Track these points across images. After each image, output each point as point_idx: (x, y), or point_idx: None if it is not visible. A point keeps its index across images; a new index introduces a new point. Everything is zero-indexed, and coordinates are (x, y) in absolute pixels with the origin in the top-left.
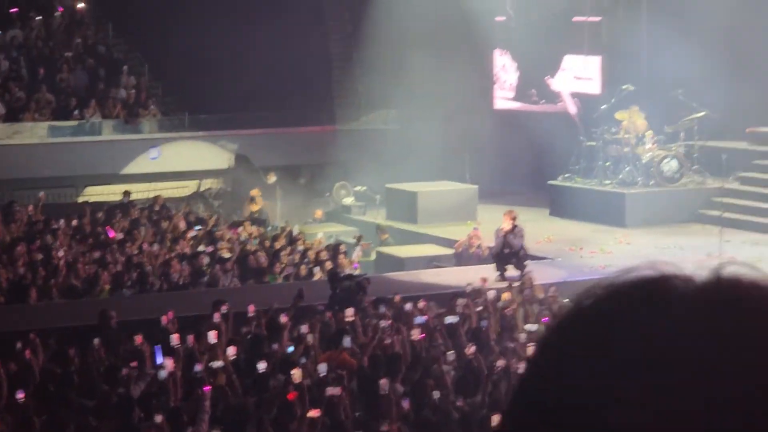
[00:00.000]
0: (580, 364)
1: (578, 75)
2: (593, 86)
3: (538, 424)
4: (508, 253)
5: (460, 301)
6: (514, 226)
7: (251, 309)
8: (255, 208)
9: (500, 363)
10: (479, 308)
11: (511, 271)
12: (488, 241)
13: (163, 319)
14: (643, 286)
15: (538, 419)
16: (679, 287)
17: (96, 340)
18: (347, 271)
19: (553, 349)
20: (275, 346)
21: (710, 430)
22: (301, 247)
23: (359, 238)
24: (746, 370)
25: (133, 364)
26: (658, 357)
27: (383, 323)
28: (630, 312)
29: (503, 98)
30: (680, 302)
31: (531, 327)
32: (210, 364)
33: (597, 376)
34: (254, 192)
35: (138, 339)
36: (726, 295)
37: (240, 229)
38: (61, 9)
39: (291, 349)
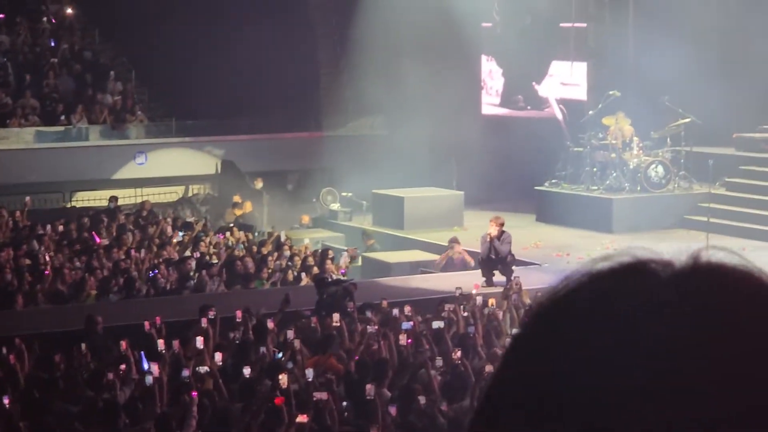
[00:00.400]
0: (557, 357)
1: (565, 81)
2: (580, 92)
3: (520, 423)
4: (495, 259)
5: (447, 306)
6: (502, 232)
7: (238, 314)
8: (239, 212)
9: (488, 368)
10: (466, 314)
11: (498, 277)
12: (471, 246)
13: (146, 325)
14: (621, 273)
15: (517, 417)
16: (658, 272)
17: (83, 346)
18: (334, 276)
19: (531, 341)
20: (263, 350)
21: (692, 419)
22: (288, 253)
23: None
24: (725, 357)
25: (122, 367)
26: (638, 345)
27: (370, 329)
28: (608, 299)
29: (490, 104)
30: (658, 287)
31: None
32: (196, 369)
33: (576, 369)
34: (236, 198)
35: (123, 344)
36: (704, 280)
37: (227, 234)
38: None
39: (280, 355)
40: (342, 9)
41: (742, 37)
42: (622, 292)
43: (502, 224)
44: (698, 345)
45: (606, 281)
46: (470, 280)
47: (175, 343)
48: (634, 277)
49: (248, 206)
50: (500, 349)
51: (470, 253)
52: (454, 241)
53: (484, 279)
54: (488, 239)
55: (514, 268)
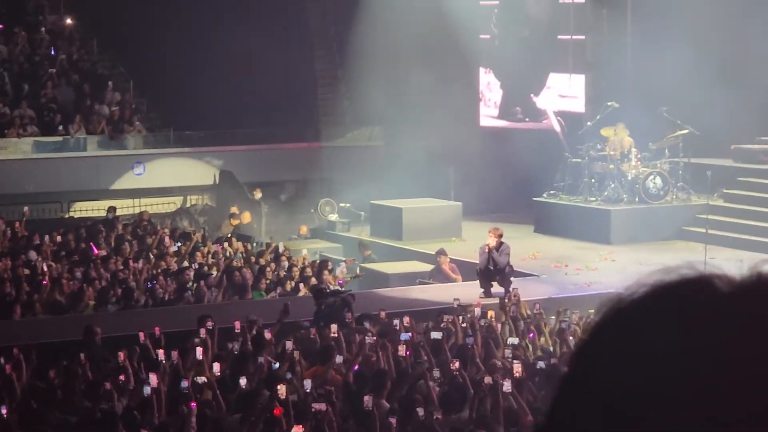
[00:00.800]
0: (625, 367)
1: (563, 93)
2: (578, 104)
3: (596, 424)
4: (493, 270)
5: (446, 317)
6: (500, 243)
7: (237, 325)
8: (235, 223)
9: (487, 380)
10: (464, 324)
11: (497, 288)
12: (470, 257)
13: (141, 336)
14: (687, 286)
15: (591, 418)
16: (722, 286)
17: (81, 356)
18: (332, 287)
19: (598, 347)
20: (261, 360)
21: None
22: (286, 263)
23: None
24: None
25: (122, 377)
26: (704, 357)
27: (368, 339)
28: (674, 311)
29: (488, 116)
30: (723, 301)
31: (513, 341)
32: (195, 380)
33: (643, 377)
34: (234, 209)
35: (121, 355)
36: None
37: (225, 244)
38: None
39: (277, 365)
40: (340, 20)
41: (741, 48)
42: (687, 304)
43: (501, 235)
44: (761, 356)
45: (672, 294)
46: (469, 292)
47: (174, 354)
48: (699, 291)
49: (246, 217)
50: (499, 361)
51: (469, 264)
52: (441, 252)
53: (482, 290)
54: (487, 250)
55: (512, 279)
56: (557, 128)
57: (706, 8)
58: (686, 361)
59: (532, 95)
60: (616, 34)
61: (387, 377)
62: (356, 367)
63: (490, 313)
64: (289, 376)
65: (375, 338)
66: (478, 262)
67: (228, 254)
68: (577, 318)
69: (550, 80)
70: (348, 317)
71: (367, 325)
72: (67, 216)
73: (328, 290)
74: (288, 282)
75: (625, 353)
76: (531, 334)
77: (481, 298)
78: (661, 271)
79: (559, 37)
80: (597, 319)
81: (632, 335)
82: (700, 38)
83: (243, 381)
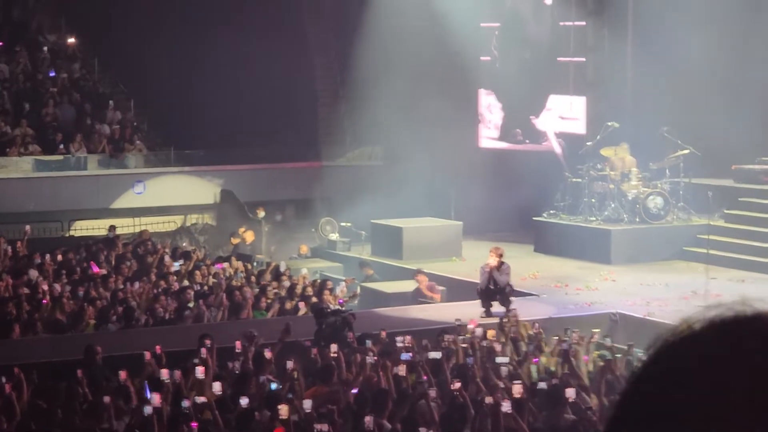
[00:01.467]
0: (687, 400)
1: (563, 115)
2: (578, 126)
3: None
4: (494, 289)
5: (447, 337)
6: (501, 263)
7: (238, 345)
8: (235, 241)
9: (488, 400)
10: (464, 345)
11: (497, 308)
12: (470, 277)
13: (147, 355)
14: (741, 323)
15: None
16: None
17: (79, 373)
18: (333, 307)
19: (656, 376)
20: (262, 379)
21: None
22: (287, 283)
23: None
24: None
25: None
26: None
27: (369, 359)
28: (731, 346)
29: (488, 137)
30: None
31: (502, 359)
32: (195, 399)
33: (705, 410)
34: (241, 230)
35: (122, 374)
36: None
37: (225, 264)
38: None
39: (275, 386)
40: (341, 40)
41: (741, 68)
42: (744, 340)
43: (501, 255)
44: None
45: (728, 330)
46: (470, 312)
47: (177, 374)
48: (754, 327)
49: (250, 236)
50: (500, 381)
51: (469, 283)
52: (418, 272)
53: (483, 309)
54: (487, 270)
55: (512, 299)
56: (557, 150)
57: (706, 29)
58: (757, 405)
59: (532, 117)
60: (616, 55)
61: (388, 397)
62: (356, 389)
63: (490, 333)
64: (290, 396)
65: (376, 358)
66: (479, 281)
67: (228, 274)
68: (577, 337)
69: (551, 102)
70: (349, 336)
71: (368, 344)
72: (67, 235)
73: (328, 310)
74: (288, 301)
75: (691, 393)
76: (535, 360)
77: (481, 317)
78: (713, 307)
79: (560, 59)
80: (656, 351)
81: (700, 372)
82: (701, 58)
83: (244, 401)
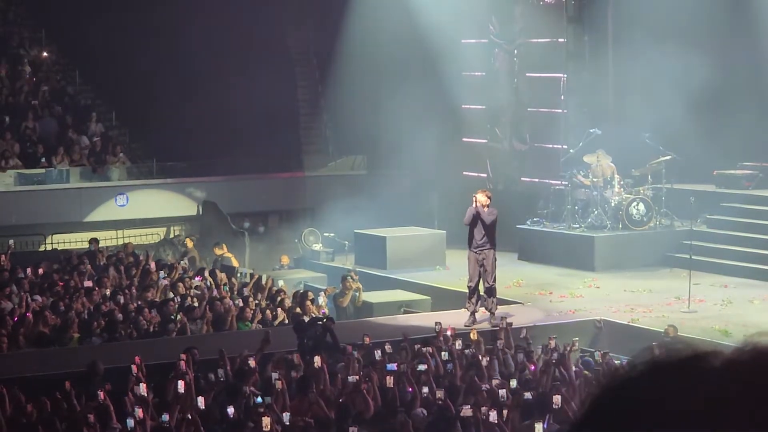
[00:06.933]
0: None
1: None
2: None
3: None
4: (479, 224)
5: (425, 349)
6: (488, 205)
7: (222, 356)
8: (219, 252)
9: (465, 411)
10: (447, 353)
11: (482, 315)
12: (455, 286)
13: (134, 368)
14: (681, 365)
15: None
16: (715, 365)
17: (67, 385)
18: (312, 315)
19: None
20: (245, 390)
21: None
22: (269, 294)
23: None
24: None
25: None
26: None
27: (351, 378)
28: (667, 394)
29: (470, 140)
30: (716, 381)
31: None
32: (176, 414)
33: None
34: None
35: (101, 394)
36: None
37: (207, 275)
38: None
39: (260, 400)
40: (322, 49)
41: (722, 74)
42: (681, 385)
43: (490, 197)
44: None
45: (667, 374)
46: (456, 321)
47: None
48: (692, 371)
49: (224, 249)
50: (484, 387)
51: (454, 292)
52: (344, 279)
53: (469, 314)
54: (474, 204)
55: (496, 307)
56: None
57: (687, 35)
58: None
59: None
60: (597, 62)
61: (372, 408)
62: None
63: (473, 336)
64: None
65: (358, 376)
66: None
67: (210, 285)
68: (554, 343)
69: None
70: (334, 341)
71: (354, 353)
72: (49, 248)
73: (306, 322)
74: (268, 311)
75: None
76: (532, 367)
77: (465, 325)
78: (657, 347)
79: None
80: (599, 396)
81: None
82: (682, 64)
83: (231, 410)
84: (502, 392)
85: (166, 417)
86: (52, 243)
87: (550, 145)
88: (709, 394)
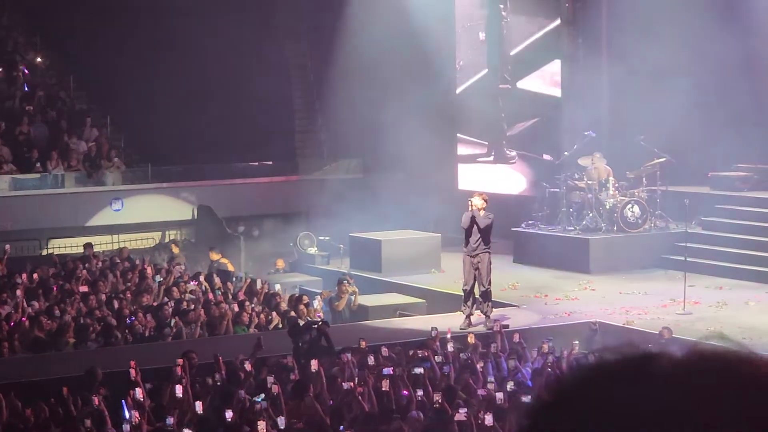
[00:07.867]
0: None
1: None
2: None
3: None
4: (475, 228)
5: (421, 352)
6: (484, 209)
7: (217, 360)
8: (215, 257)
9: (459, 416)
10: (441, 356)
11: (477, 318)
12: (449, 289)
13: (132, 373)
14: (621, 371)
15: None
16: (658, 369)
17: (65, 390)
18: (307, 319)
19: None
20: (241, 394)
21: None
22: (263, 298)
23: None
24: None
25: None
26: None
27: (346, 385)
28: (609, 401)
29: (465, 144)
30: (659, 387)
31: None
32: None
33: None
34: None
35: (96, 400)
36: (702, 377)
37: (202, 279)
38: (24, 65)
39: (259, 399)
40: (317, 53)
41: (717, 76)
42: (622, 392)
43: (486, 201)
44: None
45: (607, 381)
46: (452, 323)
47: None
48: (634, 377)
49: (219, 254)
50: (480, 391)
51: (449, 295)
52: (340, 282)
53: (464, 317)
54: (470, 209)
55: (491, 311)
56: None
57: (681, 36)
58: None
59: (503, 142)
60: (591, 63)
61: (369, 411)
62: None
63: (470, 339)
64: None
65: (353, 383)
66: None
67: (205, 289)
68: (547, 347)
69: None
70: (329, 344)
71: (348, 356)
72: (45, 253)
73: (300, 326)
74: (262, 315)
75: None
76: (526, 371)
77: (461, 328)
78: (607, 351)
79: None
80: (550, 396)
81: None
82: (676, 66)
83: (229, 413)
84: (499, 396)
85: (170, 420)
86: (47, 248)
87: (537, 156)
88: (656, 404)
